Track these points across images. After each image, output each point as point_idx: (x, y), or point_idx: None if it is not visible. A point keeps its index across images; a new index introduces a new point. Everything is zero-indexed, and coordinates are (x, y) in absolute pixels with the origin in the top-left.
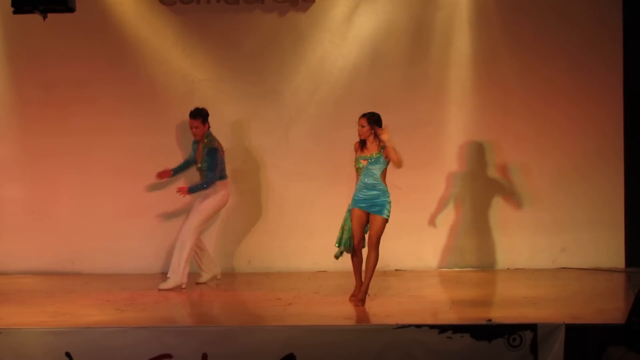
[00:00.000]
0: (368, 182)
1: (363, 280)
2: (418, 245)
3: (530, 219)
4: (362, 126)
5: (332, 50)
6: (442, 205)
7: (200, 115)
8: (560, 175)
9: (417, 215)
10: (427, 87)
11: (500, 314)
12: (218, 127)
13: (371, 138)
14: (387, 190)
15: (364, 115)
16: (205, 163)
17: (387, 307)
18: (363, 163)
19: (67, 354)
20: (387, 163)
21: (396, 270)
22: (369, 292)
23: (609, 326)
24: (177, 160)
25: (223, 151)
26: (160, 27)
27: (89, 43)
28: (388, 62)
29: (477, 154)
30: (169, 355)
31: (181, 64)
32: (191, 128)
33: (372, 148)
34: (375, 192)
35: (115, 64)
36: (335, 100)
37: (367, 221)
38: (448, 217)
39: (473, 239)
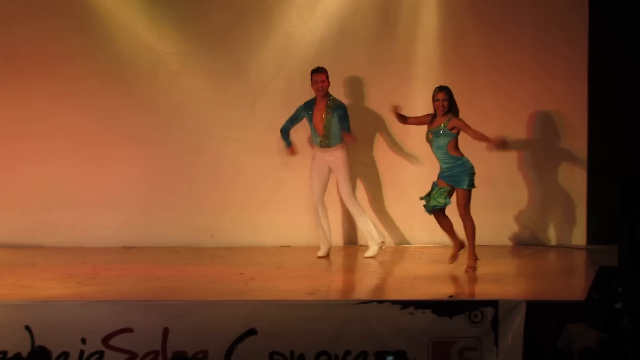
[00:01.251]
0: (437, 155)
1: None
2: (382, 221)
3: (494, 196)
4: (444, 100)
5: (299, 25)
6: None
7: (324, 70)
8: (523, 153)
9: (382, 191)
10: (393, 63)
11: (462, 291)
12: (183, 101)
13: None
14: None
15: (443, 89)
16: (345, 122)
17: (350, 283)
18: (430, 136)
19: (27, 328)
20: (455, 135)
21: (359, 245)
22: (477, 256)
23: (569, 303)
24: (141, 133)
25: None
26: (126, 0)
27: (53, 15)
28: (355, 37)
29: None
30: (130, 329)
31: (147, 37)
32: (317, 83)
33: (440, 120)
34: (447, 165)
35: (80, 36)
36: (302, 75)
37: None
38: (414, 193)
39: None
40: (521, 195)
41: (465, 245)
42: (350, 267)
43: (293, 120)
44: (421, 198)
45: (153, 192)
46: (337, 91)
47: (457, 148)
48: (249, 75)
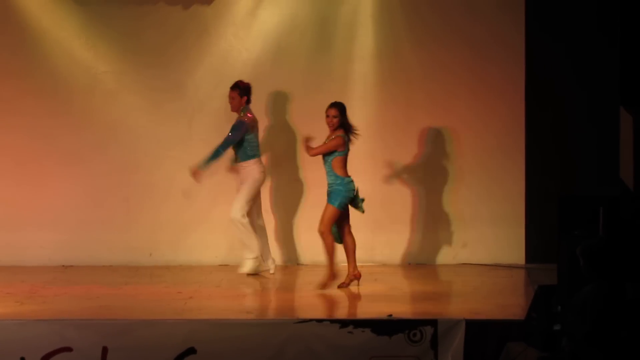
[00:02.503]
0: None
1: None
2: (320, 241)
3: (432, 214)
4: (334, 117)
5: (235, 43)
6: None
7: (237, 87)
8: (461, 170)
9: (317, 209)
10: (330, 81)
11: (401, 309)
12: (120, 119)
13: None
14: (340, 180)
15: (334, 105)
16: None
17: (289, 302)
18: None
19: None
20: (340, 153)
21: (298, 264)
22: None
23: (508, 322)
24: (79, 151)
25: (253, 127)
26: (63, 17)
27: None
28: (292, 55)
29: (380, 149)
30: (68, 349)
31: (84, 56)
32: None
33: (328, 136)
34: (329, 181)
35: (16, 54)
36: None
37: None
38: (352, 212)
39: (374, 234)
40: (459, 213)
41: (359, 278)
42: (289, 286)
43: None
44: None
45: (90, 210)
46: (272, 108)
47: (343, 167)
48: (185, 93)
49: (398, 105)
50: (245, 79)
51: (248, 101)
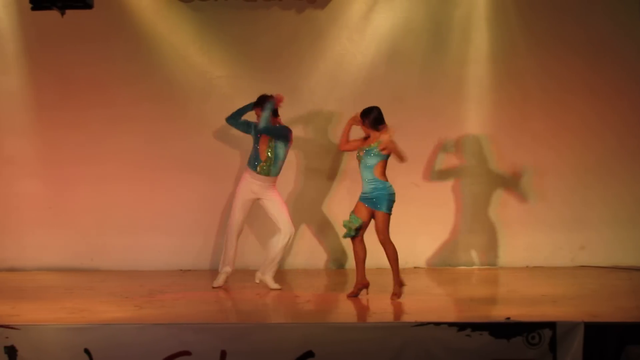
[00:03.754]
0: (363, 175)
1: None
2: (437, 243)
3: (549, 216)
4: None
5: (350, 47)
6: (461, 202)
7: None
8: (578, 174)
9: (435, 212)
10: (444, 84)
11: (519, 312)
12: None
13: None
14: (382, 184)
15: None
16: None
17: (406, 305)
18: (360, 154)
19: (86, 351)
20: (384, 157)
21: (415, 267)
22: (402, 282)
23: (628, 324)
24: (194, 156)
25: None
26: (178, 23)
27: (106, 39)
28: (406, 59)
29: (495, 151)
30: (187, 352)
31: (199, 61)
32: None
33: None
34: (371, 187)
35: (133, 60)
36: (353, 97)
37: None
38: (468, 214)
39: (493, 236)
40: (577, 216)
41: (367, 286)
42: (404, 290)
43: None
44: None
45: (208, 215)
46: (387, 112)
47: (384, 172)
48: (300, 97)
49: (514, 106)
50: (360, 83)
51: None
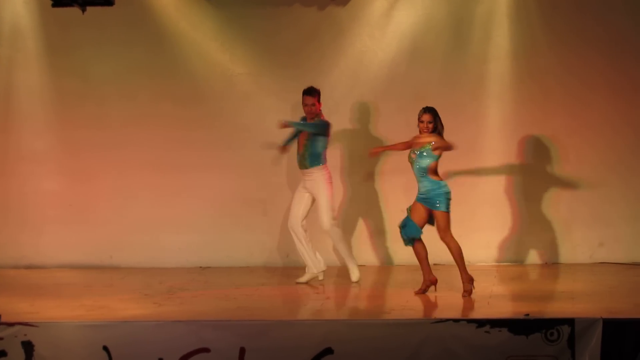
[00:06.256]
0: (418, 176)
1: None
2: (457, 240)
3: (568, 213)
4: (430, 122)
5: (371, 44)
6: (480, 200)
7: (316, 92)
8: (599, 171)
9: (457, 209)
10: (466, 81)
11: (537, 309)
12: (257, 121)
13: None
14: (437, 184)
15: (429, 111)
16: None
17: (425, 302)
18: (412, 156)
19: (105, 348)
20: (436, 157)
21: (434, 264)
22: (472, 278)
23: None
24: (215, 153)
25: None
26: (199, 20)
27: (127, 36)
28: (427, 56)
29: (516, 148)
30: (206, 349)
31: (220, 58)
32: (306, 106)
33: (421, 143)
34: (427, 188)
35: (154, 57)
36: (374, 94)
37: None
38: (487, 211)
39: (511, 233)
40: (595, 213)
41: (435, 283)
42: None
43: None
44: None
45: (227, 212)
46: (408, 108)
47: (437, 171)
48: (322, 94)
49: (535, 103)
50: (381, 80)
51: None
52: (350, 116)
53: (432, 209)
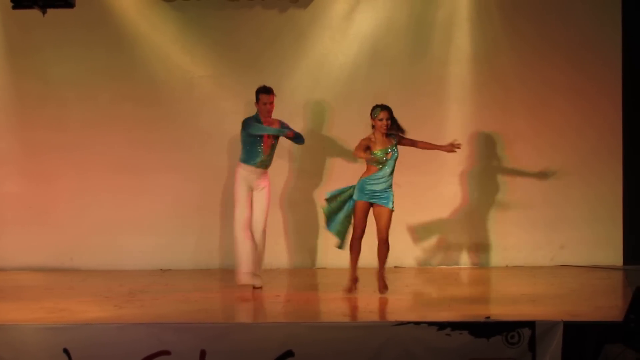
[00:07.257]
0: (388, 174)
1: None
2: (418, 242)
3: (529, 216)
4: (388, 119)
5: (332, 47)
6: (439, 203)
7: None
8: (560, 172)
9: (416, 212)
10: (427, 84)
11: (498, 311)
12: (217, 123)
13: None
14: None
15: (387, 108)
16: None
17: (386, 304)
18: (388, 156)
19: (65, 350)
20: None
21: (395, 267)
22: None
23: (606, 323)
24: (175, 155)
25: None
26: (160, 23)
27: (88, 39)
28: (388, 59)
29: (476, 151)
30: (167, 352)
31: (181, 60)
32: (267, 104)
33: (387, 141)
34: (386, 186)
35: (115, 59)
36: (335, 97)
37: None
38: (446, 214)
39: (471, 236)
40: (556, 215)
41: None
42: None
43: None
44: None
45: (187, 215)
46: (369, 111)
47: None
48: (282, 97)
49: (497, 105)
50: (342, 83)
51: None
52: (311, 118)
53: (386, 206)
